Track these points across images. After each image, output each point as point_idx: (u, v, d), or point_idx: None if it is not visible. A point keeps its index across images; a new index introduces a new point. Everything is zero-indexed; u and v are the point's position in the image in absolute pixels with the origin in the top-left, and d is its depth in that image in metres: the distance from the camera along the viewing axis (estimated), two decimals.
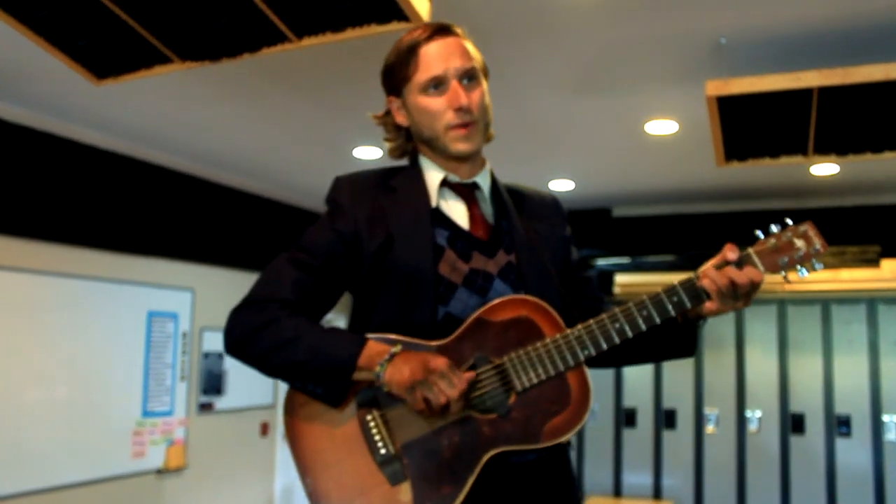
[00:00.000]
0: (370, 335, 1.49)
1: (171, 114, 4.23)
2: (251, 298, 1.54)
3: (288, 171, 5.33)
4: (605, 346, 1.45)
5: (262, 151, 4.95)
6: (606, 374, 5.71)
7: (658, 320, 1.46)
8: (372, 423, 1.47)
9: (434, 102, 1.55)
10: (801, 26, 3.04)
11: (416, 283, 1.51)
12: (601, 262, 5.93)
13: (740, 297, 1.47)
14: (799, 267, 1.50)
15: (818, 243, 1.50)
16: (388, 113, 1.66)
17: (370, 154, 4.84)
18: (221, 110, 4.14)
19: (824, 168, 4.84)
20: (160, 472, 4.88)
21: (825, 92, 3.01)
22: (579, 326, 1.46)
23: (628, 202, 6.21)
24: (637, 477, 5.71)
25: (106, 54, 2.60)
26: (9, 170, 4.09)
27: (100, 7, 2.34)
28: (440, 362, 1.40)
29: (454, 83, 1.54)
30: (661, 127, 4.26)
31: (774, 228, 1.52)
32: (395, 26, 2.29)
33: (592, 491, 5.78)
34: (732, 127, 3.33)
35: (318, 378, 1.47)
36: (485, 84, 1.61)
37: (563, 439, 1.42)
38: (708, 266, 1.49)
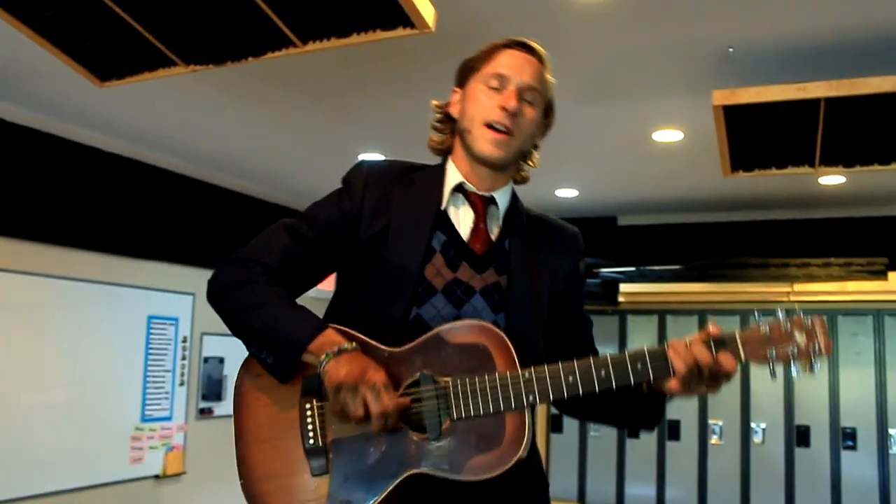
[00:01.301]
0: (334, 325, 1.48)
1: (175, 116, 4.22)
2: (240, 255, 1.56)
3: (292, 175, 5.32)
4: (551, 398, 1.39)
5: (267, 155, 4.94)
6: None
7: (614, 385, 1.39)
8: (309, 412, 1.46)
9: (487, 96, 1.54)
10: (809, 37, 3.01)
11: (398, 279, 1.50)
12: (606, 270, 5.90)
13: (703, 380, 1.39)
14: (793, 363, 1.37)
15: (821, 343, 1.36)
16: (448, 104, 1.65)
17: (374, 158, 4.83)
18: (225, 114, 4.13)
19: (832, 178, 4.81)
20: (158, 477, 4.84)
21: (832, 103, 2.99)
22: (532, 369, 1.40)
23: (634, 211, 6.18)
24: (640, 488, 5.67)
25: (109, 56, 2.59)
26: (10, 171, 4.07)
27: (104, 9, 2.33)
28: (378, 377, 1.38)
29: (513, 89, 1.54)
30: (668, 135, 4.23)
31: (780, 315, 1.39)
32: (400, 32, 2.27)
33: (595, 503, 5.74)
34: (739, 137, 3.31)
35: (271, 347, 1.47)
36: (539, 113, 1.59)
37: (483, 478, 1.36)
38: (684, 338, 1.40)
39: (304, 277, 1.58)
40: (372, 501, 1.40)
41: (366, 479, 1.41)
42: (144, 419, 4.78)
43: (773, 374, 1.39)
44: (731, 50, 3.13)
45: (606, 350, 4.92)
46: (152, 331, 4.88)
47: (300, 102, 3.92)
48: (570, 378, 1.39)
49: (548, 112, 1.64)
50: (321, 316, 1.55)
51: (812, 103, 3.03)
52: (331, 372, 1.39)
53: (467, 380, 1.40)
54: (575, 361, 1.40)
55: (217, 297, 1.54)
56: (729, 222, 5.91)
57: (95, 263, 4.53)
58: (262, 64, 2.60)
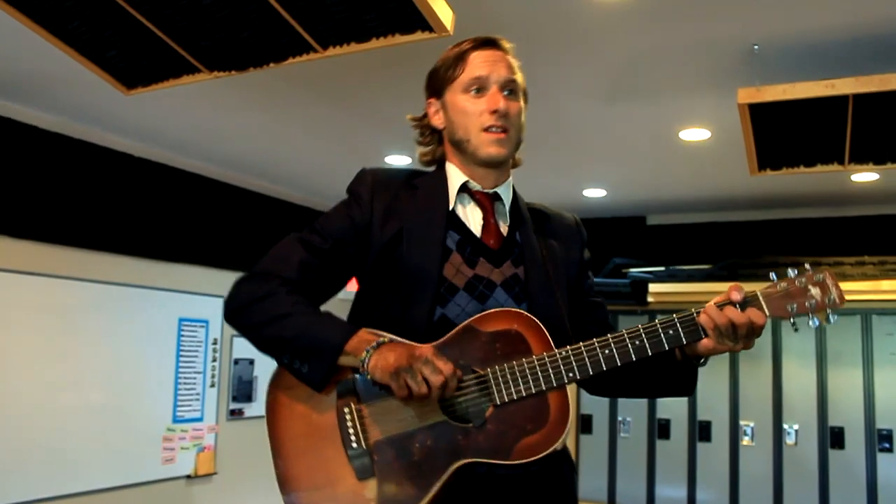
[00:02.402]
0: (364, 328, 1.49)
1: (203, 121, 4.27)
2: (256, 271, 1.57)
3: (319, 177, 5.36)
4: (591, 371, 1.42)
5: (294, 158, 4.98)
6: None
7: (650, 352, 1.43)
8: (348, 416, 1.46)
9: (473, 103, 1.57)
10: (836, 33, 2.97)
11: (418, 281, 1.51)
12: (635, 270, 5.86)
13: (739, 338, 1.43)
14: (810, 316, 1.44)
15: (835, 294, 1.44)
16: (425, 115, 1.68)
17: (401, 162, 4.85)
18: (253, 118, 4.17)
19: (864, 175, 4.73)
20: (190, 478, 4.91)
21: (861, 99, 2.94)
22: (568, 348, 1.43)
23: (663, 210, 6.13)
24: (671, 490, 5.62)
25: (135, 65, 2.63)
26: (44, 177, 4.16)
27: (129, 18, 2.37)
28: (425, 349, 1.39)
29: (495, 88, 1.57)
30: (695, 134, 4.19)
31: (791, 273, 1.47)
32: (419, 36, 2.28)
33: None
34: (765, 135, 3.27)
35: (305, 355, 1.46)
36: (523, 104, 1.63)
37: (534, 459, 1.38)
38: (711, 303, 1.44)
39: (322, 288, 1.59)
40: (424, 498, 1.39)
41: (414, 476, 1.41)
42: (176, 420, 4.85)
43: (794, 326, 1.46)
44: (756, 47, 3.09)
45: None
46: (183, 333, 4.95)
47: (326, 106, 3.95)
48: (607, 351, 1.43)
49: (526, 98, 1.67)
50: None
51: (840, 100, 2.98)
52: (380, 364, 1.40)
53: (505, 365, 1.42)
54: (609, 335, 1.44)
55: (239, 313, 1.54)
56: (759, 221, 5.83)
57: (127, 267, 4.61)
58: (287, 68, 2.62)
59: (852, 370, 5.24)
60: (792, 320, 1.45)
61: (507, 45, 1.63)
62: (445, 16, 2.20)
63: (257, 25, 2.34)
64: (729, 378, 5.50)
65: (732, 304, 1.43)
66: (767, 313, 1.43)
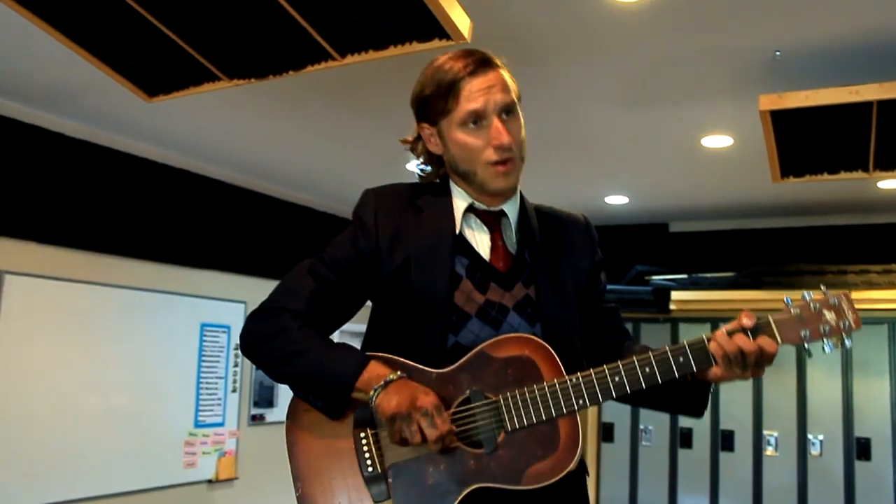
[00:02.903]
0: (377, 354, 1.50)
1: (225, 128, 4.31)
2: (268, 305, 1.57)
3: (341, 184, 5.39)
4: (601, 399, 1.43)
5: (315, 165, 5.01)
6: None
7: (660, 380, 1.43)
8: (364, 441, 1.49)
9: (474, 139, 1.52)
10: (860, 39, 2.93)
11: (429, 310, 1.51)
12: (657, 278, 5.82)
13: (748, 366, 1.42)
14: (825, 341, 1.41)
15: (850, 318, 1.40)
16: (418, 138, 1.63)
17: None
18: (273, 125, 4.21)
19: (891, 182, 4.67)
20: (211, 482, 4.94)
21: (885, 105, 2.90)
22: (579, 375, 1.43)
23: (686, 217, 6.09)
24: (693, 500, 5.56)
25: (156, 73, 2.67)
26: (69, 184, 4.22)
27: (150, 28, 2.40)
28: (428, 401, 1.40)
29: (495, 119, 1.51)
30: (717, 141, 4.16)
31: (806, 296, 1.43)
32: (436, 44, 2.29)
33: None
34: (788, 142, 3.24)
35: (319, 392, 1.50)
36: (521, 115, 1.58)
37: (543, 485, 1.40)
38: (721, 330, 1.43)
39: (333, 318, 1.60)
40: None
41: (429, 499, 1.43)
42: (198, 425, 4.89)
43: (808, 353, 1.43)
44: (778, 54, 3.07)
45: None
46: (205, 338, 4.99)
47: (347, 113, 3.97)
48: (617, 378, 1.43)
49: (519, 99, 1.61)
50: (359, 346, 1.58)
51: (864, 106, 2.95)
52: (382, 405, 1.42)
53: (517, 391, 1.43)
54: (619, 362, 1.44)
55: (253, 350, 1.56)
56: (784, 228, 5.77)
57: (150, 272, 4.66)
58: (308, 76, 2.64)
59: (879, 379, 5.16)
60: (806, 345, 1.42)
61: (497, 61, 1.56)
62: (462, 23, 2.21)
63: (276, 34, 2.36)
64: (752, 387, 5.44)
65: (744, 330, 1.42)
66: (780, 341, 1.41)
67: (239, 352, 5.12)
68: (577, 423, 1.43)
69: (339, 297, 1.57)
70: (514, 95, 1.56)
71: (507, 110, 1.54)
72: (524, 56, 3.09)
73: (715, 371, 1.44)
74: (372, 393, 1.43)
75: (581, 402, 1.42)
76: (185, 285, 4.86)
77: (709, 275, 5.67)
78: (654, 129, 4.05)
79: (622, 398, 1.56)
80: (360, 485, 1.47)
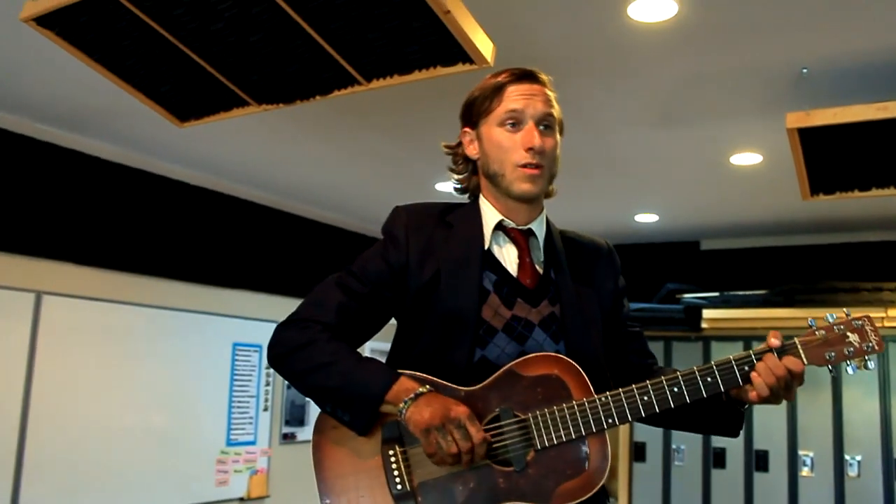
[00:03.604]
0: (404, 371, 1.51)
1: (257, 151, 4.39)
2: (296, 317, 1.59)
3: (370, 205, 5.44)
4: (630, 417, 1.44)
5: (348, 187, 5.07)
6: None
7: (688, 399, 1.45)
8: (393, 458, 1.49)
9: (508, 137, 1.57)
10: (887, 55, 2.91)
11: (457, 324, 1.53)
12: (689, 296, 5.77)
13: (779, 390, 1.44)
14: (848, 363, 1.46)
15: (873, 340, 1.45)
16: (459, 144, 1.69)
17: (450, 189, 4.89)
18: (306, 147, 4.27)
19: None
20: (243, 500, 4.98)
21: None
22: (608, 394, 1.45)
23: (717, 235, 6.05)
24: None
25: (187, 99, 2.73)
26: (104, 206, 4.32)
27: (181, 55, 2.46)
28: (461, 411, 1.41)
29: (531, 124, 1.56)
30: (746, 159, 4.14)
31: (830, 318, 1.48)
32: (460, 68, 2.32)
33: None
34: (817, 159, 3.21)
35: (347, 405, 1.50)
36: (559, 137, 1.63)
37: (574, 503, 1.41)
38: (750, 352, 1.47)
39: (361, 331, 1.61)
40: None
41: None
42: (230, 443, 4.94)
43: (832, 373, 1.50)
44: (805, 70, 3.05)
45: None
46: (237, 357, 5.05)
47: (378, 135, 4.02)
48: (646, 397, 1.45)
49: (562, 130, 1.66)
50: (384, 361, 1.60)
51: (893, 122, 2.91)
52: (414, 417, 1.43)
53: (546, 410, 1.45)
54: (648, 381, 1.46)
55: (281, 360, 1.57)
56: (817, 245, 5.69)
57: (184, 292, 4.74)
58: (339, 99, 2.68)
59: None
60: (830, 367, 1.46)
61: (544, 77, 1.63)
62: (486, 48, 2.24)
63: (303, 60, 2.40)
64: (787, 406, 5.36)
65: (771, 350, 1.45)
66: (806, 361, 1.45)
67: (271, 370, 5.18)
68: (607, 442, 1.44)
69: (367, 310, 1.59)
70: (556, 112, 1.61)
71: (546, 123, 1.58)
72: (550, 77, 3.11)
73: (748, 393, 1.46)
74: (402, 406, 1.44)
75: (610, 420, 1.43)
76: (217, 305, 4.93)
77: (740, 293, 5.60)
78: (682, 147, 4.04)
79: (654, 420, 1.58)
80: (388, 502, 1.47)
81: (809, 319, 1.49)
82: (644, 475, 5.78)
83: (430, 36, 2.18)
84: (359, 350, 1.59)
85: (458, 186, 1.73)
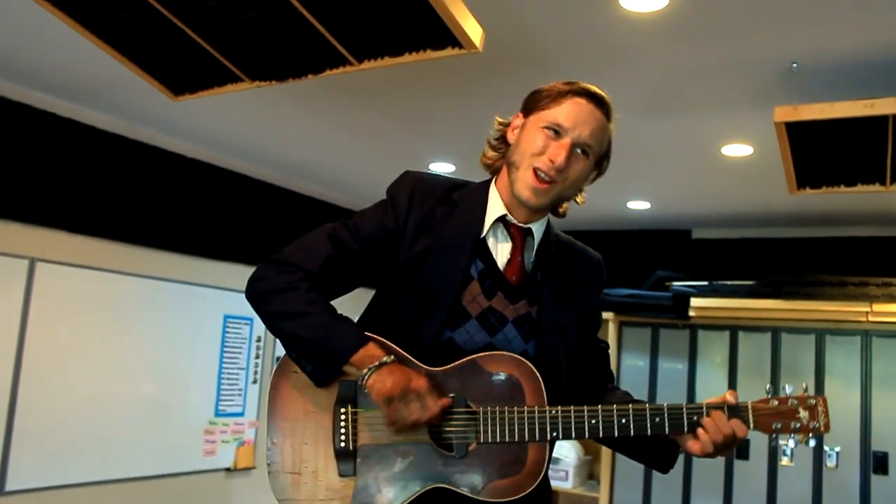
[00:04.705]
0: (375, 336, 1.55)
1: (253, 125, 4.41)
2: (283, 258, 1.62)
3: (364, 181, 5.47)
4: (573, 436, 1.49)
5: (341, 163, 5.10)
6: (679, 391, 5.59)
7: (632, 433, 1.49)
8: (343, 416, 1.54)
9: (541, 141, 1.58)
10: (877, 52, 2.94)
11: (434, 301, 1.57)
12: (678, 284, 5.82)
13: (718, 446, 1.50)
14: (791, 436, 1.52)
15: (822, 422, 1.52)
16: (509, 124, 1.70)
17: (444, 170, 4.93)
18: (302, 123, 4.30)
19: None
20: (229, 470, 5.06)
21: None
22: (560, 409, 1.49)
23: (709, 224, 6.08)
24: None
25: (182, 73, 2.76)
26: (99, 175, 4.35)
27: (176, 30, 2.49)
28: (422, 383, 1.47)
29: (568, 142, 1.57)
30: (737, 150, 4.17)
31: (788, 390, 1.54)
32: (449, 52, 2.35)
33: None
34: (804, 153, 3.24)
35: (312, 357, 1.55)
36: (590, 164, 1.63)
37: (501, 501, 1.46)
38: (703, 402, 1.52)
39: (341, 286, 1.65)
40: None
41: (389, 487, 1.50)
42: (218, 414, 5.01)
43: (773, 442, 1.55)
44: (795, 65, 3.08)
45: (675, 365, 4.84)
46: (228, 330, 5.10)
47: (373, 113, 4.05)
48: (593, 421, 1.50)
49: (602, 160, 1.67)
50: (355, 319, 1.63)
51: (880, 120, 2.94)
52: (377, 386, 1.47)
53: (497, 408, 1.50)
54: (600, 407, 1.51)
55: (259, 298, 1.61)
56: (805, 238, 5.74)
57: (177, 263, 4.78)
58: (333, 78, 2.71)
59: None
60: (773, 436, 1.52)
61: (609, 103, 1.64)
62: (475, 33, 2.27)
63: (296, 39, 2.43)
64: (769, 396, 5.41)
65: (724, 407, 1.51)
66: (752, 427, 1.51)
67: (261, 343, 5.24)
68: (546, 452, 1.50)
69: (352, 267, 1.62)
70: (599, 146, 1.62)
71: (584, 149, 1.59)
72: (541, 65, 3.14)
73: (691, 445, 1.52)
74: (365, 372, 1.48)
75: (555, 434, 1.49)
76: (210, 277, 4.98)
77: (729, 282, 5.65)
78: (673, 137, 4.08)
79: (595, 439, 1.63)
80: (329, 455, 1.53)
81: (767, 387, 1.56)
82: (627, 459, 5.84)
83: (421, 20, 2.21)
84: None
85: (486, 162, 1.74)
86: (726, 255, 6.04)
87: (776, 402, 1.52)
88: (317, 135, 4.50)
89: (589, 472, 6.24)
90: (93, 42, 2.62)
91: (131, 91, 3.86)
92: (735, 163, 4.38)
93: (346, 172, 5.32)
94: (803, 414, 1.51)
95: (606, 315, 5.74)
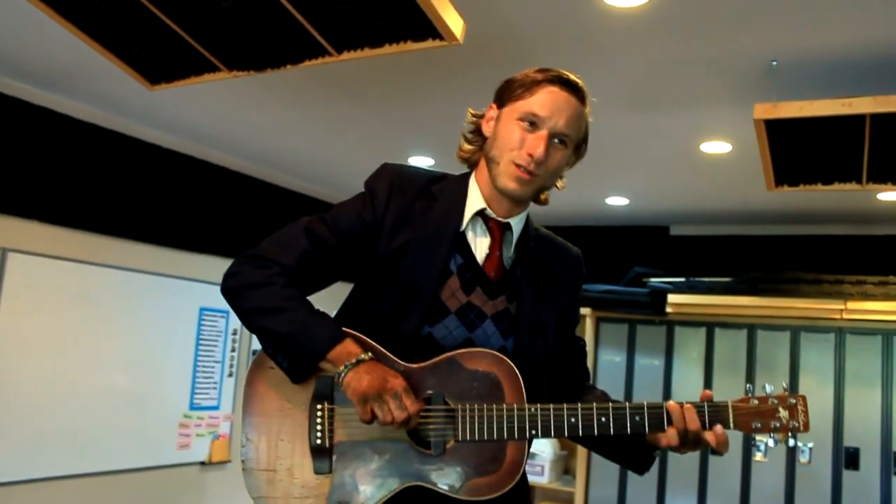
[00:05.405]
0: (352, 332, 1.53)
1: (230, 116, 4.36)
2: (258, 252, 1.59)
3: (342, 174, 5.44)
4: (552, 434, 1.48)
5: (320, 155, 5.06)
6: (656, 387, 5.62)
7: (612, 432, 1.48)
8: (319, 413, 1.52)
9: (519, 134, 1.56)
10: (857, 51, 2.95)
11: (413, 296, 1.55)
12: (655, 280, 5.84)
13: (689, 442, 1.51)
14: (771, 436, 1.52)
15: (801, 421, 1.51)
16: (483, 116, 1.68)
17: (424, 162, 4.91)
18: (279, 115, 4.25)
19: (890, 195, 4.68)
20: (204, 464, 5.02)
21: (879, 119, 2.92)
22: (539, 406, 1.48)
23: (687, 221, 6.11)
24: (681, 502, 5.60)
25: (158, 61, 2.72)
26: (73, 165, 4.28)
27: (152, 18, 2.44)
28: (398, 383, 1.45)
29: (545, 133, 1.55)
30: (716, 147, 4.19)
31: (768, 389, 1.54)
32: (430, 44, 2.33)
33: None
34: (782, 151, 3.26)
35: (287, 353, 1.52)
36: (568, 153, 1.62)
37: (477, 500, 1.45)
38: (683, 402, 1.52)
39: (318, 280, 1.63)
40: None
41: (366, 484, 1.48)
42: (193, 407, 4.96)
43: (753, 442, 1.55)
44: (774, 63, 3.09)
45: (651, 361, 4.86)
46: (204, 322, 5.05)
47: (352, 105, 4.01)
48: (573, 419, 1.48)
49: (580, 146, 1.66)
50: (333, 314, 1.61)
51: (857, 119, 2.97)
52: (353, 384, 1.45)
53: (476, 405, 1.48)
54: (579, 405, 1.49)
55: (234, 294, 1.58)
56: (782, 236, 5.78)
57: (152, 255, 4.72)
58: (311, 69, 2.68)
59: (870, 390, 5.17)
60: (753, 436, 1.53)
61: (584, 90, 1.63)
62: (455, 25, 2.25)
63: (274, 28, 2.40)
64: (743, 393, 5.46)
65: (700, 407, 1.51)
66: (732, 426, 1.51)
67: (237, 337, 5.20)
68: (525, 450, 1.48)
69: (329, 261, 1.60)
70: (576, 133, 1.60)
71: (561, 139, 1.58)
72: (521, 58, 3.12)
73: (663, 438, 1.51)
74: (342, 369, 1.46)
75: (534, 432, 1.47)
76: (185, 269, 4.92)
77: (706, 279, 5.68)
78: (652, 133, 4.08)
79: (572, 437, 1.61)
80: (304, 452, 1.51)
81: (747, 386, 1.55)
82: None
83: (400, 10, 2.19)
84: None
85: (463, 155, 1.72)
86: (704, 252, 6.07)
87: (756, 402, 1.52)
88: (295, 126, 4.46)
89: (565, 467, 6.26)
90: (66, 29, 2.57)
91: (106, 80, 3.80)
92: (714, 160, 4.40)
93: (324, 165, 5.28)
94: (783, 413, 1.51)
95: (584, 311, 5.75)
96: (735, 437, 5.27)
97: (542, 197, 1.68)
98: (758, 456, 5.39)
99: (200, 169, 5.00)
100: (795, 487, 5.28)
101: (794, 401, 1.52)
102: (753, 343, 5.40)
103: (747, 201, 5.27)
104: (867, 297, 5.05)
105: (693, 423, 1.48)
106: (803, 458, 5.29)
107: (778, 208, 5.32)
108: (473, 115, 1.70)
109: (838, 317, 5.07)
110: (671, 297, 5.57)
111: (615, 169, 4.86)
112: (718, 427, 1.49)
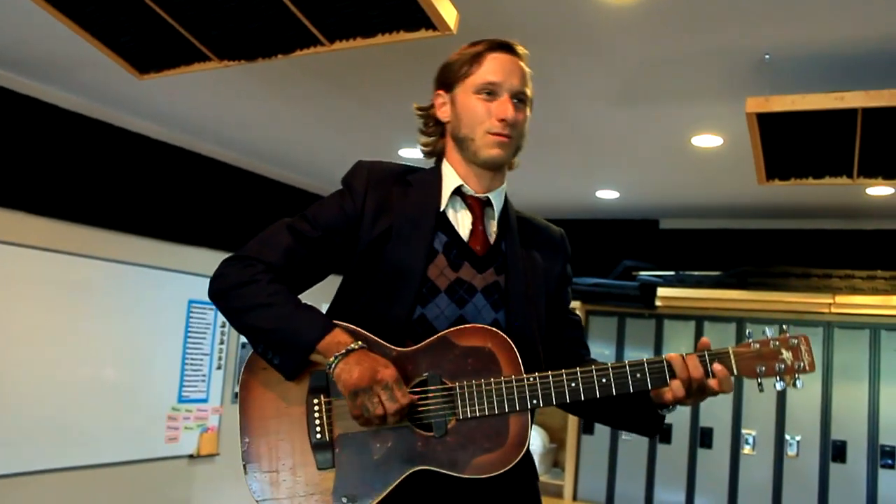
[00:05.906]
0: (340, 323, 1.52)
1: (220, 107, 4.33)
2: (242, 253, 1.59)
3: (332, 167, 5.40)
4: (554, 401, 1.46)
5: (309, 147, 5.03)
6: None
7: (614, 392, 1.47)
8: (317, 407, 1.51)
9: (482, 106, 1.59)
10: (849, 46, 2.96)
11: (401, 279, 1.55)
12: (645, 274, 5.86)
13: (693, 393, 1.49)
14: (778, 378, 1.48)
15: (806, 360, 1.48)
16: (431, 106, 1.70)
17: (413, 155, 4.89)
18: (269, 106, 4.22)
19: (879, 189, 4.70)
20: (192, 457, 4.99)
21: (870, 113, 2.92)
22: (537, 375, 1.47)
23: (677, 214, 6.12)
24: (669, 494, 5.62)
25: (148, 50, 2.69)
26: (61, 155, 4.24)
27: (142, 5, 2.42)
28: (389, 374, 1.43)
29: (506, 97, 1.59)
30: (707, 141, 4.19)
31: (768, 332, 1.51)
32: (423, 34, 2.32)
33: None
34: (774, 145, 3.26)
35: (278, 348, 1.51)
36: (529, 112, 1.66)
37: (485, 476, 1.43)
38: (682, 353, 1.50)
39: (306, 276, 1.62)
40: (376, 496, 1.45)
41: (371, 474, 1.46)
42: (181, 400, 4.93)
43: (760, 387, 1.49)
44: (767, 57, 3.09)
45: (641, 354, 4.87)
46: (192, 315, 5.02)
47: (342, 97, 3.99)
48: (573, 384, 1.46)
49: (531, 104, 1.69)
50: (325, 309, 1.60)
51: (849, 113, 2.97)
52: (343, 376, 1.44)
53: (473, 381, 1.46)
54: (578, 368, 1.47)
55: (220, 295, 1.57)
56: (772, 230, 5.80)
57: (140, 247, 4.68)
58: (303, 59, 2.66)
59: (858, 384, 5.21)
60: (759, 380, 1.49)
61: (522, 51, 1.65)
62: (449, 15, 2.23)
63: (265, 17, 2.38)
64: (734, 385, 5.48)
65: (702, 355, 1.49)
66: (736, 372, 1.48)
67: (226, 329, 5.17)
68: (528, 422, 1.46)
69: (314, 256, 1.60)
70: (528, 90, 1.64)
71: (520, 98, 1.62)
72: (527, 52, 3.11)
73: (667, 392, 1.50)
74: (332, 360, 1.45)
75: (535, 401, 1.45)
76: (174, 261, 4.89)
77: (695, 273, 5.70)
78: (644, 126, 4.08)
79: (575, 407, 1.60)
80: (306, 449, 1.49)
81: (748, 331, 1.53)
82: (592, 447, 5.90)
83: (393, 0, 2.17)
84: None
85: (425, 149, 1.73)
86: (693, 246, 6.09)
87: (757, 346, 1.49)
88: (285, 118, 4.43)
89: (554, 460, 6.27)
90: (55, 17, 2.54)
91: (95, 69, 3.75)
92: (705, 153, 4.40)
93: (314, 157, 5.25)
94: (786, 355, 1.47)
95: (573, 304, 5.76)
96: (724, 429, 5.25)
97: (514, 161, 1.71)
98: (746, 449, 5.42)
99: (190, 160, 4.96)
100: (783, 480, 5.31)
101: (797, 341, 1.49)
102: (742, 336, 5.39)
103: (737, 195, 5.28)
104: (856, 291, 5.08)
105: (696, 370, 1.47)
106: (791, 451, 5.32)
107: (768, 202, 5.33)
108: (420, 109, 1.73)
109: (827, 311, 5.09)
110: (661, 291, 5.58)
111: (605, 162, 4.86)
112: (717, 364, 1.47)
